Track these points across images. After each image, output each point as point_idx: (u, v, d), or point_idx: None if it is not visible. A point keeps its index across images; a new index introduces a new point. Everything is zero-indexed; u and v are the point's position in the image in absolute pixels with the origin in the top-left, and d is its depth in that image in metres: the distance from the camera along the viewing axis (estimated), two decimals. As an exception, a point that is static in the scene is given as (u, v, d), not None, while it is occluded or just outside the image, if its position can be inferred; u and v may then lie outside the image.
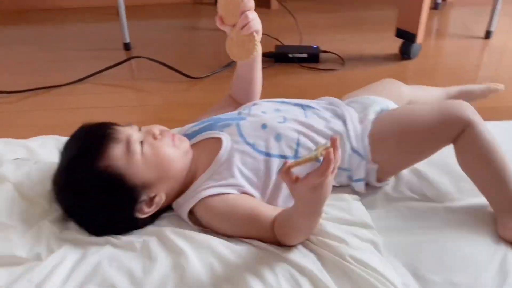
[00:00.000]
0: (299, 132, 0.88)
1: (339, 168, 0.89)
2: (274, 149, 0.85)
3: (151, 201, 0.82)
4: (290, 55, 1.68)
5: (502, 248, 0.81)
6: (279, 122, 0.88)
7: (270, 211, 0.79)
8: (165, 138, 0.83)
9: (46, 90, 1.57)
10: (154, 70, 1.66)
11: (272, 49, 1.72)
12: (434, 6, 2.15)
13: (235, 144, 0.85)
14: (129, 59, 1.72)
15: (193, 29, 2.13)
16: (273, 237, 0.77)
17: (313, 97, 1.50)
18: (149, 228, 0.84)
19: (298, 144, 0.87)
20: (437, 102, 1.01)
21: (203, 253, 0.76)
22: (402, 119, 0.90)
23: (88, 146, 0.79)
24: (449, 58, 1.76)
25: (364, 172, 0.89)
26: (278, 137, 0.87)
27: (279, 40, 1.75)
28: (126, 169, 0.77)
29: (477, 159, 0.83)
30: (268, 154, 0.85)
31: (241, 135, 0.86)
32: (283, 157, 0.85)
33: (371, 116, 0.91)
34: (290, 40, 1.82)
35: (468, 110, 0.83)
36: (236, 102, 1.02)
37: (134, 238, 0.81)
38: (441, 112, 0.85)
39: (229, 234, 0.80)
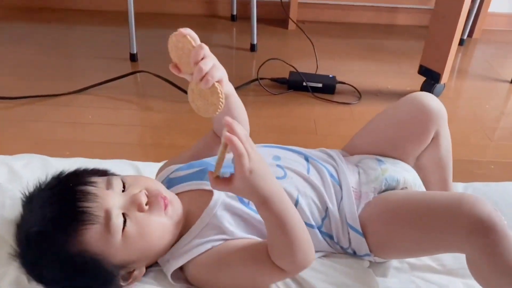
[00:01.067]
0: (299, 192, 0.78)
1: (342, 248, 0.82)
2: None
3: (129, 275, 0.72)
4: (304, 84, 1.58)
5: None
6: (277, 177, 0.78)
7: (262, 244, 0.71)
8: (155, 208, 0.70)
9: (43, 98, 1.48)
10: (159, 86, 1.56)
11: (286, 75, 1.63)
12: (459, 42, 2.05)
13: (228, 199, 0.75)
14: (134, 72, 1.63)
15: (205, 44, 2.03)
16: (278, 269, 0.69)
17: (324, 130, 1.43)
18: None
19: (296, 206, 0.76)
20: (449, 196, 0.77)
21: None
22: (403, 215, 0.77)
23: (58, 224, 0.66)
24: (471, 102, 1.65)
25: (367, 248, 0.80)
26: None
27: (293, 67, 1.65)
28: (102, 253, 0.66)
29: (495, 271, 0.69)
30: None
31: None
32: None
33: (370, 196, 0.82)
34: (305, 64, 1.72)
35: (492, 212, 0.68)
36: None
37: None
38: (458, 212, 0.69)
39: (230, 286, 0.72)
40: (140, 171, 1.07)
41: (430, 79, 1.55)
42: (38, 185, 0.73)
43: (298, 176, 0.80)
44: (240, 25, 2.17)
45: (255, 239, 0.74)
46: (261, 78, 1.62)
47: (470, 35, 2.16)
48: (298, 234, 0.67)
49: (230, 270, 0.71)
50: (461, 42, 2.08)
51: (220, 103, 0.69)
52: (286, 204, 0.67)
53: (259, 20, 1.89)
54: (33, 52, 1.84)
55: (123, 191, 0.71)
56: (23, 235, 0.69)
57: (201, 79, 0.66)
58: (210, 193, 0.75)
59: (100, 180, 0.71)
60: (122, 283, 0.71)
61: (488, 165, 1.26)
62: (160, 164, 1.12)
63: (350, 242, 0.81)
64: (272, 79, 1.63)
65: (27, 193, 0.73)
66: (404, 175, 0.86)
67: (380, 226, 0.79)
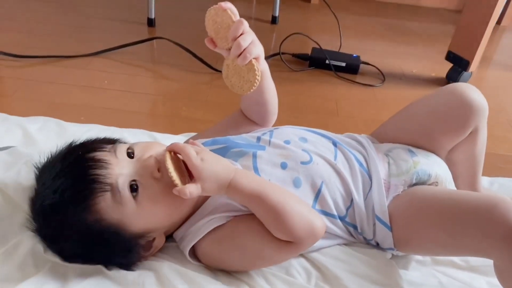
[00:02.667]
0: (324, 179, 0.75)
1: (365, 239, 0.80)
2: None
3: (149, 244, 0.70)
4: (327, 62, 1.53)
5: None
6: (302, 162, 0.75)
7: None
8: (166, 176, 0.65)
9: (57, 59, 1.43)
10: (176, 54, 1.51)
11: (308, 51, 1.57)
12: (487, 28, 1.98)
13: None
14: (151, 39, 1.58)
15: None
16: (283, 241, 0.67)
17: (345, 112, 1.38)
18: (148, 261, 0.72)
19: (318, 194, 0.74)
20: (482, 199, 0.70)
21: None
22: (431, 215, 0.73)
23: (70, 194, 0.63)
24: (498, 93, 1.60)
25: (392, 242, 0.77)
26: (297, 181, 0.74)
27: (317, 43, 1.59)
28: (118, 221, 0.64)
29: None
30: None
31: (256, 169, 0.73)
32: None
33: (399, 189, 0.78)
34: (327, 41, 1.65)
35: None
36: (250, 120, 0.87)
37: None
38: (491, 217, 0.65)
39: (241, 262, 0.71)
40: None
41: (458, 66, 1.50)
42: (49, 156, 0.70)
43: (325, 162, 0.77)
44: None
45: None
46: (282, 53, 1.57)
47: (498, 22, 2.09)
48: (280, 203, 0.65)
49: (240, 245, 0.69)
50: (489, 29, 2.01)
51: (256, 80, 0.67)
52: (256, 178, 0.68)
53: (281, -9, 1.82)
54: (47, 8, 1.78)
55: (132, 157, 0.68)
56: (38, 209, 0.66)
57: (239, 55, 0.64)
58: None
59: (109, 147, 0.69)
60: (143, 253, 0.69)
61: (514, 159, 1.22)
62: (178, 137, 1.09)
63: (374, 234, 0.79)
64: (294, 55, 1.57)
65: (39, 165, 0.71)
66: (436, 170, 0.82)
67: (406, 223, 0.75)
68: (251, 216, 0.69)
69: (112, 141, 0.74)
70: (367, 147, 0.83)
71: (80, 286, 0.66)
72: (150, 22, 1.68)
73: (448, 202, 0.73)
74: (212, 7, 0.65)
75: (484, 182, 1.04)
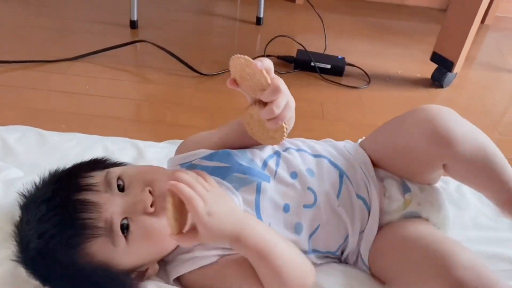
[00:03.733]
0: (321, 222, 0.73)
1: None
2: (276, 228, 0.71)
3: (142, 274, 0.68)
4: (312, 64, 1.52)
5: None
6: (305, 206, 0.72)
7: None
8: (161, 209, 0.62)
9: (37, 64, 1.40)
10: (160, 57, 1.49)
11: (294, 53, 1.56)
12: (470, 28, 1.99)
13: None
14: (134, 42, 1.55)
15: (208, 14, 1.94)
16: None
17: (331, 115, 1.37)
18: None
19: (312, 234, 0.72)
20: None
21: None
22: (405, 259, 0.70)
23: (58, 242, 0.60)
24: (482, 93, 1.61)
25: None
26: (298, 228, 0.72)
27: (302, 45, 1.58)
28: (110, 261, 0.62)
29: None
30: None
31: (258, 208, 0.70)
32: None
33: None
34: (312, 42, 1.64)
35: None
36: None
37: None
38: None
39: None
40: (141, 152, 1.01)
41: (443, 67, 1.50)
42: (34, 189, 0.67)
43: (327, 205, 0.73)
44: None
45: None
46: (268, 55, 1.55)
47: (482, 21, 2.10)
48: (284, 261, 0.63)
49: (227, 285, 0.67)
50: (472, 28, 2.02)
51: (283, 139, 0.64)
52: (262, 235, 0.63)
53: (266, -8, 1.81)
54: (26, 12, 1.74)
55: (123, 189, 0.65)
56: (24, 250, 0.63)
57: (269, 119, 0.59)
58: None
59: (98, 180, 0.65)
60: (135, 282, 0.67)
61: (498, 161, 1.22)
62: (162, 144, 1.07)
63: (356, 264, 0.79)
64: (279, 57, 1.56)
65: (23, 195, 0.67)
66: (427, 212, 0.78)
67: (384, 268, 0.74)
68: (241, 260, 0.66)
69: (100, 164, 0.71)
70: (371, 183, 0.77)
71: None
72: (133, 24, 1.65)
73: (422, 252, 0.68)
74: (241, 56, 0.57)
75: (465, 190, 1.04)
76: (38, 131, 1.03)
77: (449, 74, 1.50)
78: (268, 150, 0.78)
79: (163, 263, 0.72)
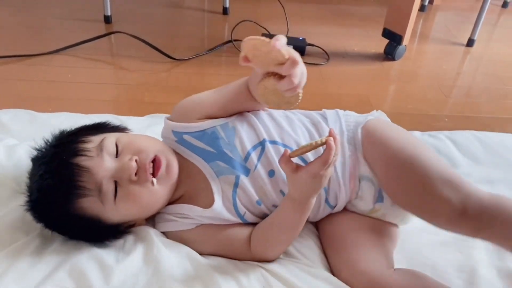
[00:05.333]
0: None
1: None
2: (250, 216, 0.80)
3: (130, 226, 0.79)
4: (275, 45, 1.65)
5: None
6: (274, 206, 0.80)
7: (242, 232, 0.79)
8: (142, 179, 0.71)
9: (19, 59, 1.50)
10: (134, 47, 1.61)
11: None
12: (420, 8, 2.17)
13: (225, 211, 0.78)
14: (109, 33, 1.66)
15: (177, 7, 2.07)
16: (250, 257, 0.78)
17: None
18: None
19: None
20: None
21: (179, 254, 0.76)
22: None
23: (55, 195, 0.71)
24: (431, 63, 1.78)
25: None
26: (259, 202, 0.80)
27: (266, 29, 1.72)
28: (100, 215, 0.73)
29: None
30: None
31: (234, 200, 0.78)
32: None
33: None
34: (276, 27, 1.79)
35: None
36: (255, 100, 0.79)
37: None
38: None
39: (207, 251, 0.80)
40: (124, 123, 1.12)
41: (393, 41, 1.66)
42: (41, 146, 0.76)
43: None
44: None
45: (234, 228, 0.79)
46: (234, 40, 1.69)
47: (431, 1, 2.28)
48: (293, 239, 0.78)
49: (205, 247, 0.79)
50: (423, 8, 2.20)
51: (297, 103, 0.66)
52: (307, 216, 0.74)
53: (231, -16, 1.94)
54: (1, 11, 1.83)
55: (117, 154, 0.73)
56: (29, 200, 0.74)
57: (288, 90, 0.61)
58: (209, 186, 0.77)
59: (93, 144, 0.73)
60: (124, 230, 0.78)
61: (443, 118, 1.38)
62: (143, 118, 1.18)
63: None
64: (245, 41, 1.69)
65: (35, 149, 0.77)
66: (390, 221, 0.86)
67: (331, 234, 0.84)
68: (224, 227, 0.78)
69: (102, 128, 0.80)
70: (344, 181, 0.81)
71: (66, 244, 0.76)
72: (107, 19, 1.76)
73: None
74: (255, 37, 0.58)
75: (416, 134, 1.19)
76: (28, 111, 1.13)
77: (399, 47, 1.66)
78: (254, 138, 0.79)
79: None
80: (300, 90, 0.63)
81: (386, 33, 1.68)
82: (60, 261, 0.72)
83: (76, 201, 0.70)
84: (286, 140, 0.80)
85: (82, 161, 0.70)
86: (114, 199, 0.72)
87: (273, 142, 0.79)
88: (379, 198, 0.81)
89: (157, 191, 0.74)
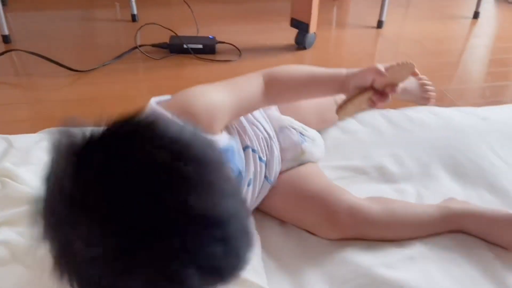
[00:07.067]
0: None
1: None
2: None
3: None
4: (185, 46, 1.62)
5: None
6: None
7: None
8: None
9: None
10: (37, 64, 1.52)
11: (167, 40, 1.66)
12: (333, -3, 2.21)
13: None
14: (6, 52, 1.57)
15: (89, 20, 2.00)
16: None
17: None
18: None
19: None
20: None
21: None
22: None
23: None
24: (344, 47, 1.80)
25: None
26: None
27: (173, 31, 1.68)
28: None
29: None
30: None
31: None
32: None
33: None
34: (187, 31, 1.76)
35: None
36: (267, 101, 0.81)
37: None
38: None
39: None
40: (11, 143, 1.05)
41: (302, 30, 1.67)
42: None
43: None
44: (123, 1, 2.16)
45: None
46: (141, 45, 1.64)
47: (342, -10, 2.33)
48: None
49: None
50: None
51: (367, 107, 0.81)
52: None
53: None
54: None
55: None
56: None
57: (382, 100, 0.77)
58: None
59: None
60: None
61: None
62: (36, 135, 1.11)
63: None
64: (153, 45, 1.65)
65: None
66: (306, 156, 0.93)
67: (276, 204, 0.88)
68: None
69: None
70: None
71: None
72: (5, 39, 1.67)
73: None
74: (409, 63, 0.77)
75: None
76: None
77: (308, 35, 1.67)
78: (263, 145, 0.85)
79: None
80: None
81: (294, 23, 1.68)
82: None
83: None
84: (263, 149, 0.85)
85: None
86: None
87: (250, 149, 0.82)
88: (302, 138, 0.91)
89: None
